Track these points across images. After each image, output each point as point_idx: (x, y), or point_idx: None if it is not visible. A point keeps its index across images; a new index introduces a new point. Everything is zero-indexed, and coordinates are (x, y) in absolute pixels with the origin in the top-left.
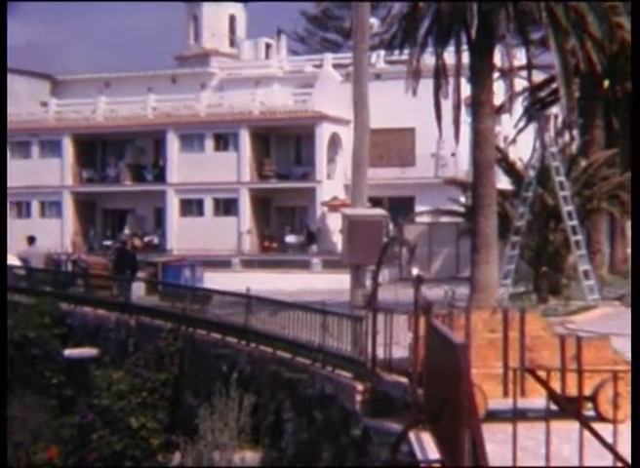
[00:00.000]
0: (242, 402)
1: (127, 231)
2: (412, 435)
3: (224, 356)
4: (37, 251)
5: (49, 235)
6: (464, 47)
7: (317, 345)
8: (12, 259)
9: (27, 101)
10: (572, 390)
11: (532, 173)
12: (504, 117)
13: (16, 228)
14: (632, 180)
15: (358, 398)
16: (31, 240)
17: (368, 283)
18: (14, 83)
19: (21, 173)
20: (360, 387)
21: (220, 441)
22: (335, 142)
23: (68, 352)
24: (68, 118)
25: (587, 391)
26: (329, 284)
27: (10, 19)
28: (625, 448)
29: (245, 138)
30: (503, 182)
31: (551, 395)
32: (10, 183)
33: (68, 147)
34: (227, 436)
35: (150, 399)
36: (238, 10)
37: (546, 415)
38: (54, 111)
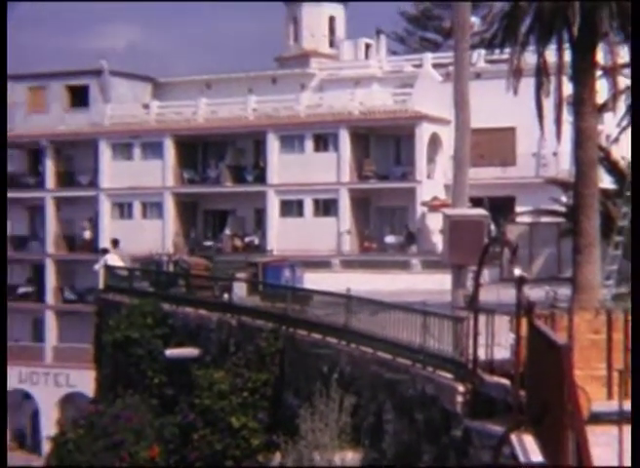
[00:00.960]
0: (342, 402)
1: (227, 232)
2: (514, 437)
3: (325, 356)
4: (121, 253)
5: (150, 236)
6: (566, 45)
7: (418, 346)
8: (115, 261)
9: (130, 104)
10: None
11: None
12: (607, 115)
13: (118, 229)
14: (632, 180)
15: (459, 399)
16: (115, 243)
17: (469, 283)
18: (116, 85)
19: (124, 174)
20: (461, 388)
21: (321, 441)
22: (434, 142)
23: (170, 352)
24: (170, 120)
25: None
26: (429, 284)
27: (113, 23)
28: None
29: (345, 139)
30: (606, 182)
31: None
32: (112, 185)
33: (170, 149)
34: (328, 436)
35: (251, 399)
36: (337, 10)
37: None
38: (155, 113)
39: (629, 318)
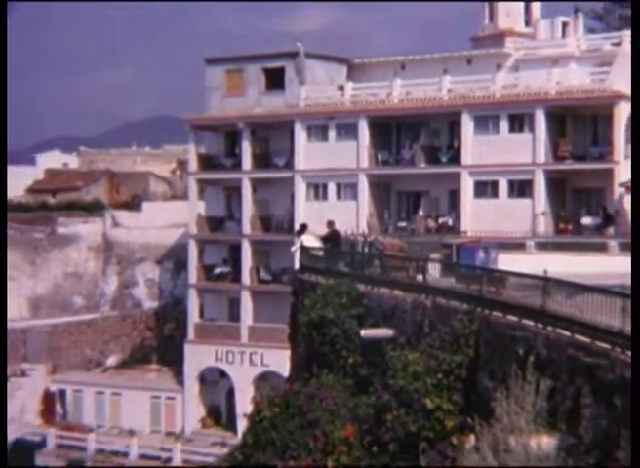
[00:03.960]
0: (539, 385)
1: (421, 213)
2: None
3: (521, 339)
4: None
5: (344, 217)
6: None
7: (617, 330)
8: (311, 241)
9: (325, 85)
10: None
11: None
12: None
13: (313, 210)
14: (632, 179)
15: None
16: (303, 228)
17: None
18: (312, 67)
19: (319, 156)
20: None
21: (516, 424)
22: None
23: (365, 332)
24: (364, 101)
25: None
26: (627, 267)
27: (308, 6)
28: None
29: (540, 119)
30: None
31: None
32: (308, 166)
33: (364, 130)
34: (523, 420)
35: (446, 380)
36: None
37: None
38: (350, 94)
39: None
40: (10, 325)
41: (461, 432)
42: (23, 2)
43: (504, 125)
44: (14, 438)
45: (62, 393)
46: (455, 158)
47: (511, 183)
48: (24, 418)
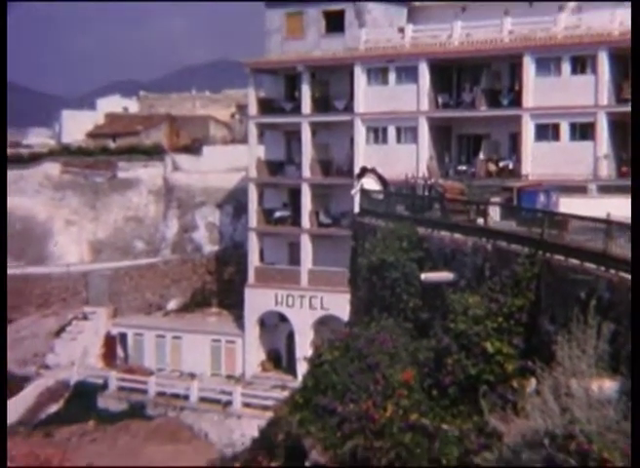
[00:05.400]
0: (600, 329)
1: (481, 156)
2: None
3: (583, 282)
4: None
5: (404, 161)
6: None
7: None
8: (371, 185)
9: (385, 28)
10: None
11: None
12: None
13: (373, 154)
14: (632, 178)
15: None
16: (363, 171)
17: None
18: (372, 10)
19: (379, 99)
20: None
21: (578, 368)
22: None
23: (425, 276)
24: (425, 44)
25: None
26: None
27: None
28: None
29: (603, 61)
30: None
31: None
32: (367, 109)
33: (424, 73)
34: (585, 363)
35: (506, 324)
36: None
37: None
38: (410, 37)
39: None
40: (71, 268)
41: (522, 376)
42: (23, 2)
43: (566, 67)
44: (76, 380)
45: (124, 336)
46: (516, 101)
47: (573, 126)
48: (86, 361)
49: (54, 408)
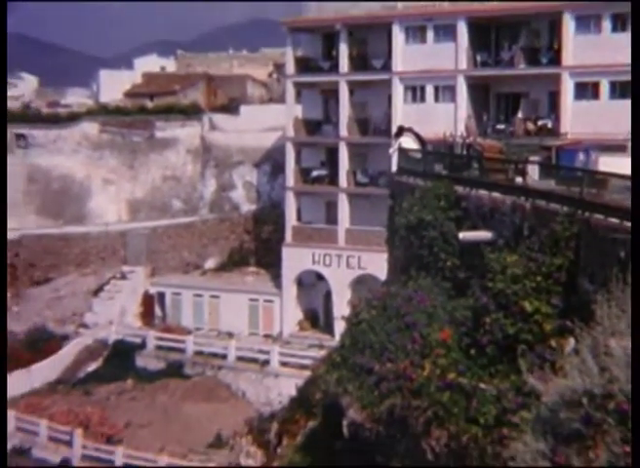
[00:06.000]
0: None
1: (520, 115)
2: None
3: (623, 241)
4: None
5: (442, 119)
6: None
7: None
8: (410, 143)
9: None
10: None
11: None
12: None
13: (410, 112)
14: (632, 178)
15: None
16: (400, 131)
17: None
18: None
19: (417, 57)
20: None
21: (617, 328)
22: None
23: (463, 235)
24: (463, 2)
25: None
26: None
27: None
28: None
29: None
30: None
31: None
32: (405, 68)
33: (463, 31)
34: (624, 323)
35: (544, 283)
36: None
37: None
38: None
39: None
40: (109, 228)
41: (561, 335)
42: (23, 2)
43: (607, 24)
44: (114, 339)
45: (162, 295)
46: (555, 59)
47: (613, 84)
48: (124, 320)
49: (92, 366)
